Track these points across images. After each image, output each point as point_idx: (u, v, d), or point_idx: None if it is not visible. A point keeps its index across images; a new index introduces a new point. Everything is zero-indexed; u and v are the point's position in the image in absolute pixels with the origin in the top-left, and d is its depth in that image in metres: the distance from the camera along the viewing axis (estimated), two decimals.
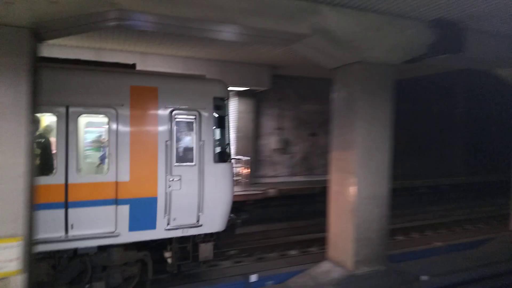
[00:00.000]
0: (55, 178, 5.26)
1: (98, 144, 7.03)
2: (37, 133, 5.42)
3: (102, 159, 6.65)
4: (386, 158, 6.58)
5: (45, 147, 5.60)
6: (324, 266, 6.69)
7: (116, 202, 5.54)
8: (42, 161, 5.44)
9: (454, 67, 8.46)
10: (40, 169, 5.19)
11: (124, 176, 5.59)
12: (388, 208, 6.66)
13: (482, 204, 14.64)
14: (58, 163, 5.29)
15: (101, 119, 5.86)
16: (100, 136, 6.83)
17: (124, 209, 5.59)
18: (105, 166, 5.79)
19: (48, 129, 5.83)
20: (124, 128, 5.62)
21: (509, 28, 6.99)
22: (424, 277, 6.53)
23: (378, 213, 6.55)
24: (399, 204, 11.10)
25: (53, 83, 5.24)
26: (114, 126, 5.57)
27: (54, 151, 5.45)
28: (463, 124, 18.10)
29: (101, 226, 5.49)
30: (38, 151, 5.35)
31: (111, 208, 5.52)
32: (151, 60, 9.85)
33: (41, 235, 5.10)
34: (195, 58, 10.32)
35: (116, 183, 5.54)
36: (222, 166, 6.28)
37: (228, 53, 9.83)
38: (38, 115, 5.20)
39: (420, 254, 7.90)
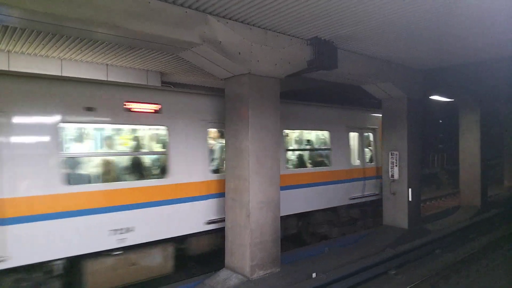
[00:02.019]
0: None
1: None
2: None
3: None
4: (276, 165, 6.99)
5: None
6: (222, 274, 6.67)
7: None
8: None
9: (332, 81, 9.57)
10: None
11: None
12: (279, 211, 7.04)
13: None
14: None
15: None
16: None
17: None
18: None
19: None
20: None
21: (370, 49, 8.24)
22: (315, 275, 7.01)
23: (272, 217, 6.86)
24: None
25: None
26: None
27: None
28: None
29: None
30: None
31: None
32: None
33: None
34: (73, 60, 9.64)
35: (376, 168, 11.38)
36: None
37: (113, 57, 9.47)
38: None
39: (311, 252, 8.50)
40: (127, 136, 7.11)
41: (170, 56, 9.25)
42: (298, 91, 13.58)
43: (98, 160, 6.46)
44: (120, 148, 6.93)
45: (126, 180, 6.56)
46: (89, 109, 5.98)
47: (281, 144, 8.00)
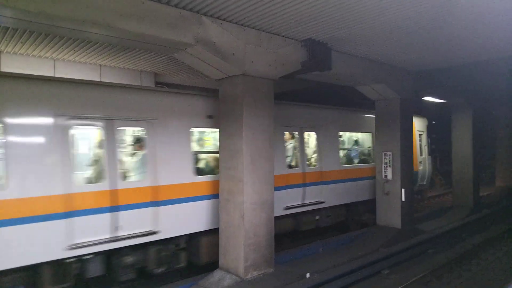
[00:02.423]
0: None
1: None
2: None
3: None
4: (270, 166, 7.01)
5: None
6: (216, 275, 6.68)
7: None
8: None
9: (326, 82, 9.64)
10: None
11: None
12: (273, 212, 7.05)
13: None
14: None
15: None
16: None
17: None
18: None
19: None
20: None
21: (364, 51, 8.30)
22: (308, 275, 7.03)
23: (266, 218, 6.88)
24: None
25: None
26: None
27: None
28: None
29: None
30: None
31: None
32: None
33: None
34: (66, 60, 9.59)
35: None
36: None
37: (106, 57, 9.44)
38: None
39: (305, 252, 8.53)
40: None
41: (164, 57, 9.24)
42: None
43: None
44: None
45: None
46: (209, 117, 7.69)
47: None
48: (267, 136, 6.91)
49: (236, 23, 6.24)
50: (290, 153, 9.59)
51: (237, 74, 6.55)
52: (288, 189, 8.98)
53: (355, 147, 11.90)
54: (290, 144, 9.67)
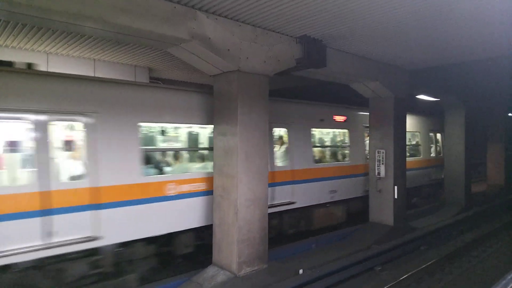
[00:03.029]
0: None
1: None
2: None
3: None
4: (265, 163, 7.01)
5: None
6: (210, 271, 6.68)
7: None
8: None
9: (321, 80, 9.63)
10: None
11: None
12: (267, 208, 7.06)
13: None
14: None
15: None
16: None
17: None
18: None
19: None
20: None
21: (359, 48, 8.31)
22: (301, 271, 7.06)
23: (259, 214, 6.89)
24: None
25: None
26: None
27: None
28: None
29: None
30: None
31: None
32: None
33: None
34: (59, 54, 9.47)
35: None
36: None
37: (101, 51, 9.36)
38: None
39: (299, 249, 8.56)
40: (331, 135, 11.79)
41: (159, 52, 9.17)
42: None
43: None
44: (335, 140, 11.85)
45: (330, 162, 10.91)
46: (322, 120, 10.25)
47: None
48: (262, 133, 6.90)
49: (231, 18, 6.21)
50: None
51: (232, 70, 6.52)
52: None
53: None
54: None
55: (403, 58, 9.23)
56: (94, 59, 10.11)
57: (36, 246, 5.41)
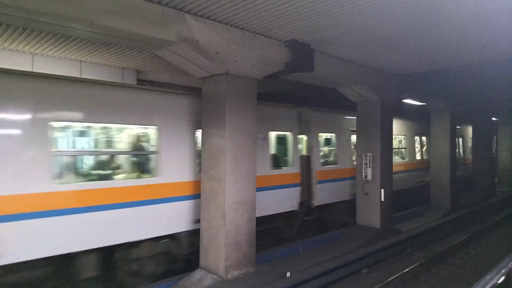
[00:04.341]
0: None
1: None
2: None
3: None
4: (253, 165, 7.02)
5: None
6: (197, 274, 6.64)
7: None
8: None
9: (309, 84, 9.70)
10: None
11: None
12: (255, 211, 7.07)
13: None
14: None
15: None
16: None
17: None
18: None
19: None
20: None
21: (347, 53, 8.40)
22: (289, 274, 7.07)
23: (247, 217, 6.88)
24: None
25: None
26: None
27: None
28: None
29: None
30: None
31: None
32: None
33: None
34: (45, 55, 9.32)
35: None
36: None
37: (87, 53, 9.26)
38: None
39: (286, 252, 8.58)
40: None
41: (147, 54, 9.11)
42: None
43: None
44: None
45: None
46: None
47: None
48: (250, 136, 6.91)
49: (220, 21, 6.22)
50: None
51: (221, 73, 6.53)
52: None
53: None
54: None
55: (391, 62, 9.37)
56: (81, 61, 9.98)
57: None
